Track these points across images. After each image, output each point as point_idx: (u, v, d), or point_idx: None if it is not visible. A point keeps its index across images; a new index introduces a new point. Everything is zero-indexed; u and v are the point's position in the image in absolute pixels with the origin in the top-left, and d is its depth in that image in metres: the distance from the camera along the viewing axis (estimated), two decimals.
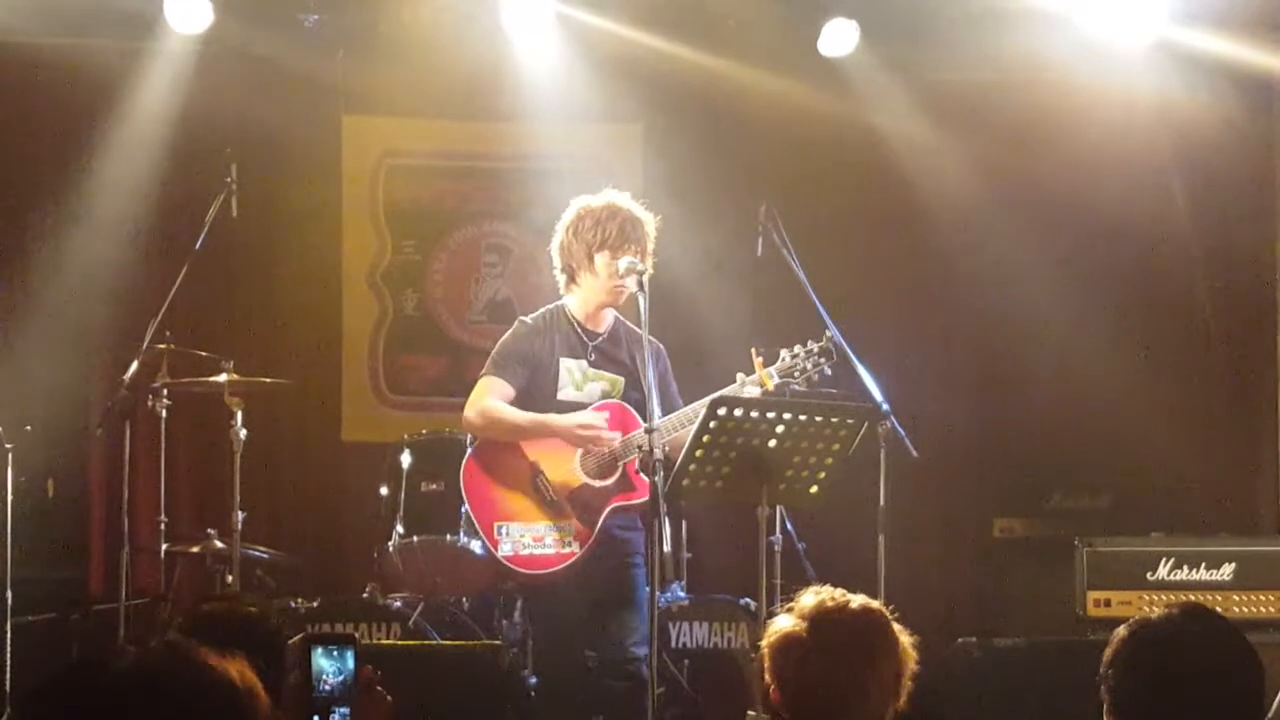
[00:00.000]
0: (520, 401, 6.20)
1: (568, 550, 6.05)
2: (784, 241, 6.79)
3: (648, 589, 6.18)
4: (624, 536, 6.12)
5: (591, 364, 6.21)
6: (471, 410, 6.19)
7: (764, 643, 3.29)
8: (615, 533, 6.10)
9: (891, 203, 8.61)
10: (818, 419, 5.53)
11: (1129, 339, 8.51)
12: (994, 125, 8.57)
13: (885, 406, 6.52)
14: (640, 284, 5.96)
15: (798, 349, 6.12)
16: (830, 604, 3.25)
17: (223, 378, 7.04)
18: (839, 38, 8.31)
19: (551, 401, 6.17)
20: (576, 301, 6.28)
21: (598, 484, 6.07)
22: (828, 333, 6.19)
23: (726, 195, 8.02)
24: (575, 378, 6.20)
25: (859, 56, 8.39)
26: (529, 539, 6.07)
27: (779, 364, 6.09)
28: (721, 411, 5.49)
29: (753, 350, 6.10)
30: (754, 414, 5.50)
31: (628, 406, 6.14)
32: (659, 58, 8.33)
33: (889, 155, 8.53)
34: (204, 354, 7.26)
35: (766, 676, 3.27)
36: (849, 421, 5.58)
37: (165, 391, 7.17)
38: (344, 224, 8.87)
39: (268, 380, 7.36)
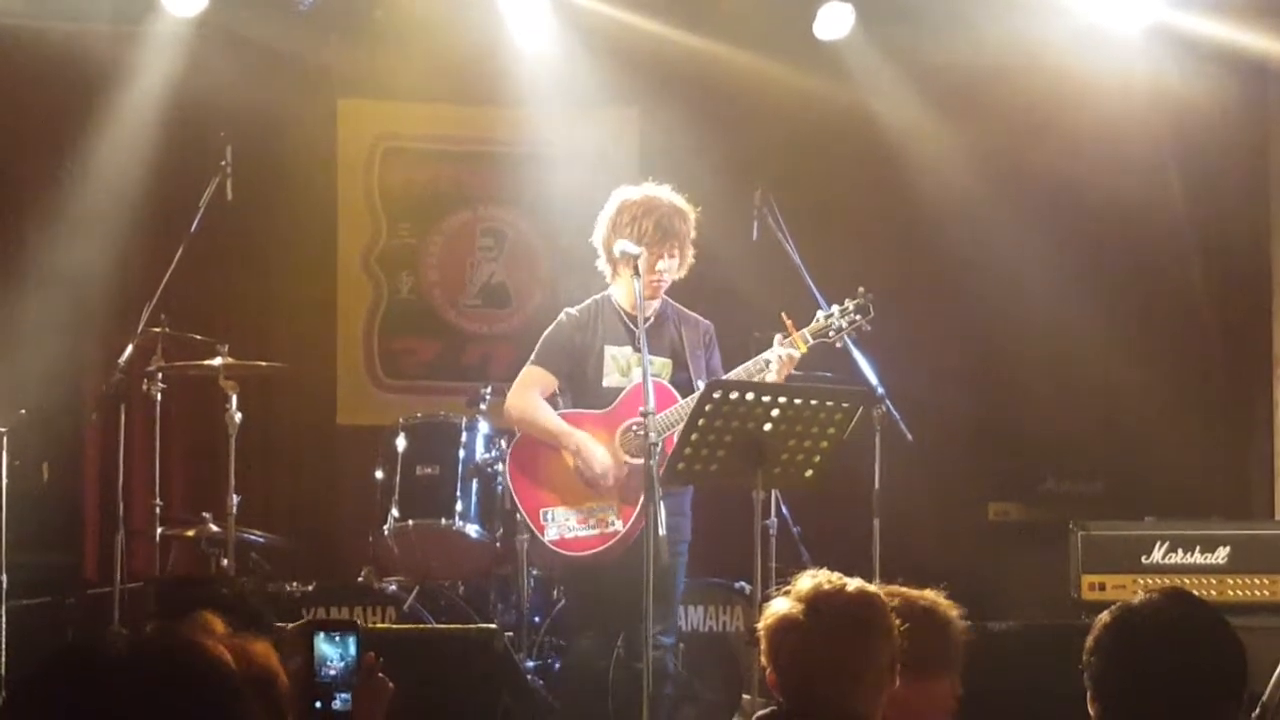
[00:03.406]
0: (570, 390, 6.31)
1: (611, 530, 6.12)
2: (779, 225, 6.79)
3: (684, 579, 6.24)
4: (670, 522, 6.12)
5: (637, 349, 6.24)
6: (512, 400, 6.33)
7: (761, 625, 3.30)
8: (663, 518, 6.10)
9: (887, 187, 8.61)
10: (813, 403, 5.55)
11: (1123, 323, 8.52)
12: (989, 110, 8.57)
13: (880, 390, 6.53)
14: (635, 270, 5.99)
15: (834, 307, 6.16)
16: (827, 587, 3.25)
17: (218, 361, 7.04)
18: (835, 21, 8.30)
19: (597, 388, 6.27)
20: (621, 291, 6.32)
21: (636, 461, 6.10)
22: (861, 288, 6.21)
23: (722, 179, 7.99)
24: (620, 364, 6.27)
25: (854, 40, 8.38)
26: (574, 521, 6.15)
27: (812, 325, 6.12)
28: (717, 395, 5.51)
29: (783, 314, 6.12)
30: (749, 397, 5.52)
31: (665, 384, 6.17)
32: (655, 42, 8.33)
33: (884, 139, 8.53)
34: (199, 338, 7.26)
35: (763, 659, 3.28)
36: (844, 405, 5.60)
37: (160, 375, 7.17)
38: (339, 207, 8.86)
39: (263, 364, 7.38)
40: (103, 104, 8.17)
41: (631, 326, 6.28)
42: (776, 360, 6.02)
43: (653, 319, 6.29)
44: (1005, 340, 8.60)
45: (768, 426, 5.52)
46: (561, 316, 6.41)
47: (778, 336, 6.09)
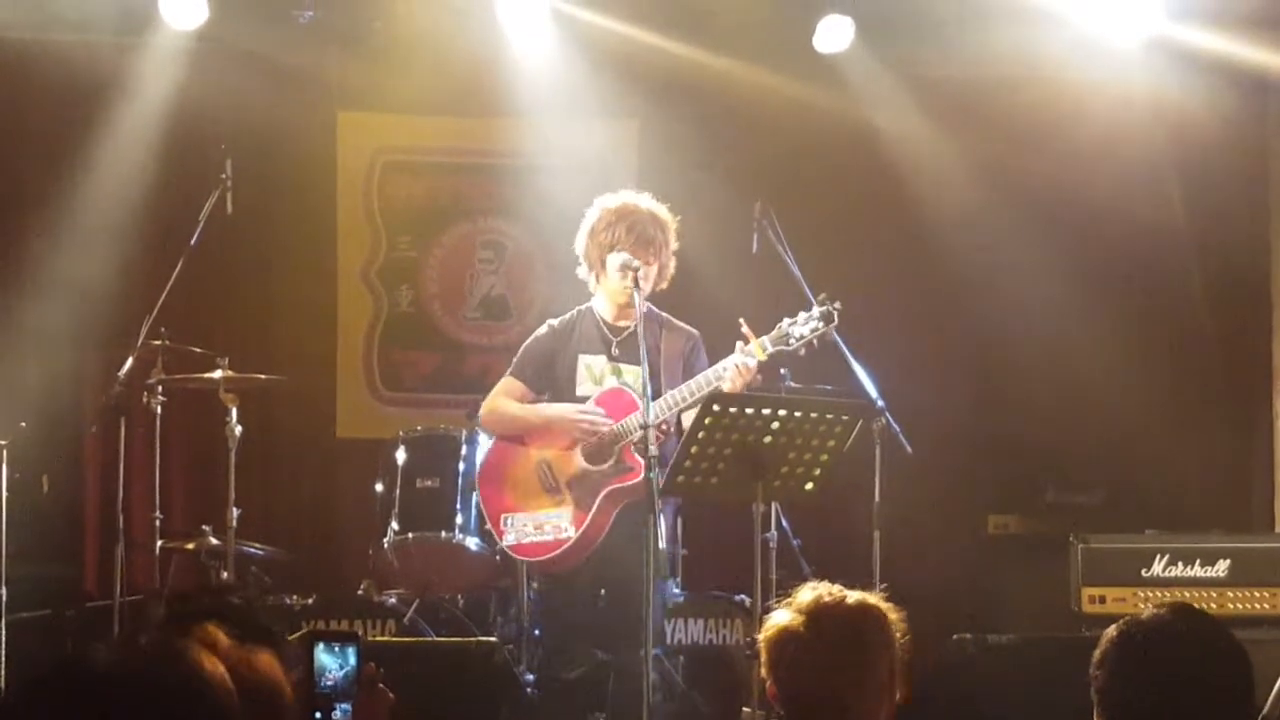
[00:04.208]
0: (548, 399, 6.35)
1: (564, 535, 6.14)
2: (779, 238, 6.79)
3: (677, 591, 6.25)
4: (643, 533, 6.12)
5: (613, 359, 6.26)
6: (484, 409, 6.44)
7: (761, 637, 3.29)
8: (636, 530, 6.10)
9: (887, 199, 8.61)
10: (813, 415, 5.55)
11: (1124, 335, 8.52)
12: (989, 122, 8.57)
13: (880, 403, 6.53)
14: (635, 280, 6.00)
15: (800, 315, 6.13)
16: (828, 599, 3.25)
17: (218, 374, 7.05)
18: (834, 34, 8.31)
19: (570, 397, 6.31)
20: (601, 300, 6.34)
21: (594, 468, 6.12)
22: (823, 295, 6.18)
23: (722, 192, 8.02)
24: (594, 373, 6.27)
25: (854, 53, 8.39)
26: (530, 527, 6.19)
27: (772, 333, 6.09)
28: (717, 407, 5.51)
29: (741, 320, 6.09)
30: (749, 410, 5.52)
31: (630, 391, 6.17)
32: (654, 54, 8.33)
33: (884, 152, 8.53)
34: (199, 350, 7.26)
35: (763, 671, 3.27)
36: (844, 418, 5.59)
37: (160, 388, 7.18)
38: (339, 220, 8.87)
39: (263, 377, 7.37)
40: (103, 117, 8.18)
41: (609, 336, 6.30)
42: (732, 369, 5.99)
43: (632, 328, 6.29)
44: (1005, 352, 8.60)
45: (767, 439, 5.52)
46: (542, 328, 6.45)
47: (738, 344, 6.07)
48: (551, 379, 6.36)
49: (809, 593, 3.28)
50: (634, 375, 6.23)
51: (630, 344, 6.24)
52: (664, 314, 6.43)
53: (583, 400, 6.27)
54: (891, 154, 8.53)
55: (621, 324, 6.31)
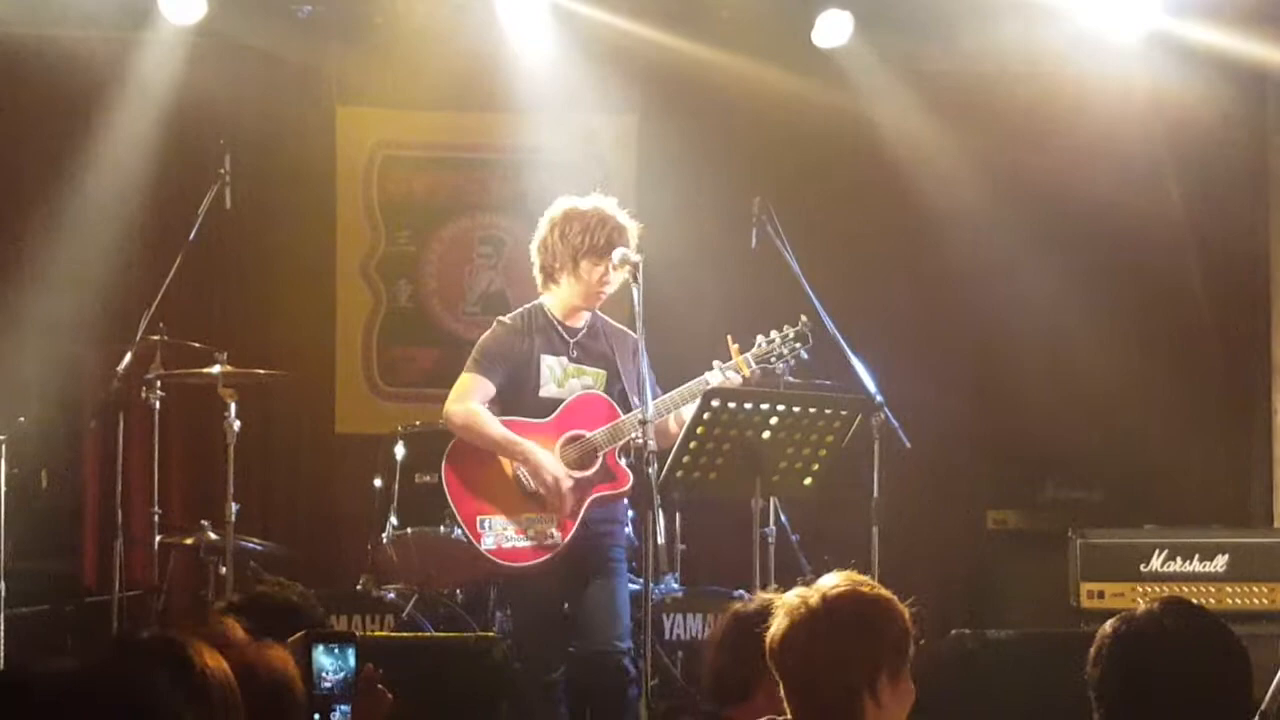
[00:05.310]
0: (502, 399, 6.23)
1: (550, 542, 6.07)
2: (778, 233, 6.78)
3: (630, 582, 6.22)
4: (604, 530, 6.13)
5: (573, 360, 6.21)
6: (454, 407, 6.18)
7: (778, 602, 3.29)
8: (594, 527, 6.10)
9: (886, 194, 8.60)
10: (811, 410, 5.56)
11: (1123, 331, 8.52)
12: (988, 117, 8.57)
13: (879, 398, 6.53)
14: (634, 275, 5.96)
15: (773, 334, 6.14)
16: (832, 582, 3.24)
17: (216, 369, 7.05)
18: (833, 29, 8.31)
19: (534, 398, 6.18)
20: (554, 300, 6.25)
21: (578, 474, 6.08)
22: (803, 317, 6.18)
23: (720, 187, 8.03)
24: (556, 374, 6.20)
25: (853, 48, 8.39)
26: (511, 531, 6.08)
27: (755, 350, 6.10)
28: (715, 403, 5.52)
29: (729, 337, 6.11)
30: (747, 406, 5.53)
31: (606, 398, 6.16)
32: (653, 49, 8.33)
33: (883, 147, 8.52)
34: (198, 345, 7.26)
35: (769, 634, 3.26)
36: (842, 413, 5.61)
37: (159, 383, 7.18)
38: (338, 215, 8.86)
39: (261, 372, 7.37)
40: (102, 112, 8.18)
41: (565, 336, 6.24)
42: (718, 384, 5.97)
43: (586, 329, 6.26)
44: (1004, 347, 8.60)
45: (766, 434, 5.53)
46: (496, 325, 6.31)
47: (716, 363, 6.06)
48: (515, 378, 6.20)
49: (833, 576, 3.27)
50: (594, 376, 6.21)
51: (587, 345, 6.22)
52: (605, 317, 6.36)
53: (547, 402, 6.18)
54: (891, 149, 8.52)
55: (572, 324, 6.26)
